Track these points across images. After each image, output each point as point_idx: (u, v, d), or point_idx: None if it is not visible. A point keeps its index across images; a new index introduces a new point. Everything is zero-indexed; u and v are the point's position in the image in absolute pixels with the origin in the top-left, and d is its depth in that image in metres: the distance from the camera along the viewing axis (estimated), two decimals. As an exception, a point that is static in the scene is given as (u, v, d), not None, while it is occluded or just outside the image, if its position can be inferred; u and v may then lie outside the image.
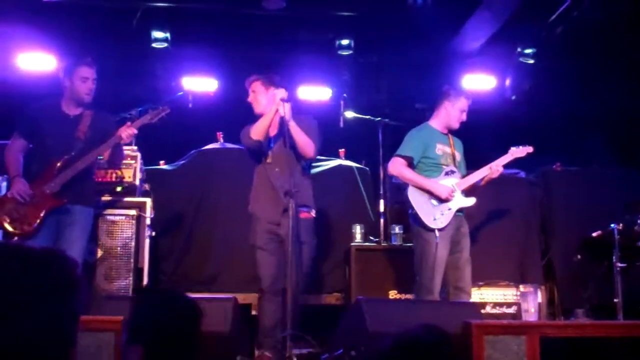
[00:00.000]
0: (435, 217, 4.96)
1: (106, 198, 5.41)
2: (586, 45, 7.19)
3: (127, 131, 4.66)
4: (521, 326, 3.79)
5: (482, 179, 5.23)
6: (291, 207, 4.50)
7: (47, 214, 4.60)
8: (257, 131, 4.85)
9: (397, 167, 5.13)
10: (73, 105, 4.83)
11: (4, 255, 1.49)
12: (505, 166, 6.61)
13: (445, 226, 4.97)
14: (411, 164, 5.11)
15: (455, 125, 5.23)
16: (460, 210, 5.09)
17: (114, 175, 5.48)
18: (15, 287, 1.43)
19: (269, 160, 4.94)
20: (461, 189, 5.10)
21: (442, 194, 4.98)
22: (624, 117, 7.50)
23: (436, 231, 4.92)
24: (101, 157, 5.02)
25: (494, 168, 5.19)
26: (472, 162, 5.34)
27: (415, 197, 5.04)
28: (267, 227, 4.87)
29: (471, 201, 5.12)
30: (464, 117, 5.23)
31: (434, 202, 5.01)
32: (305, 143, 4.85)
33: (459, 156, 5.27)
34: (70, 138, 4.73)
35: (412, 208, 5.02)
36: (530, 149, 5.35)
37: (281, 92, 4.82)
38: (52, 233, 4.60)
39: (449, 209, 5.01)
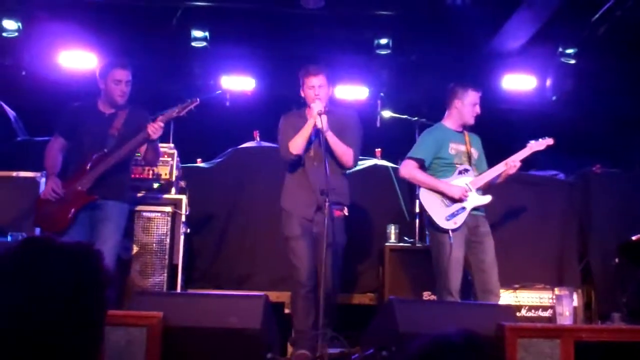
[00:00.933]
0: (448, 217, 4.90)
1: (142, 194, 5.48)
2: (629, 45, 7.05)
3: (154, 126, 4.64)
4: (556, 329, 3.73)
5: (498, 176, 5.12)
6: (326, 207, 4.46)
7: (79, 210, 4.65)
8: (296, 146, 4.87)
9: (408, 169, 5.09)
10: (108, 106, 4.90)
11: (33, 248, 1.51)
12: (545, 168, 6.53)
13: (459, 226, 4.89)
14: (423, 166, 5.06)
15: (470, 120, 5.12)
16: (477, 209, 5.01)
17: (150, 172, 5.54)
18: (43, 280, 1.45)
19: (311, 153, 4.92)
20: (476, 187, 5.01)
21: (456, 195, 4.91)
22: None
23: (450, 232, 4.85)
24: (138, 155, 5.08)
25: (510, 164, 5.06)
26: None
27: (426, 199, 4.99)
28: (300, 221, 4.87)
29: (486, 199, 5.02)
30: (477, 110, 5.11)
31: (447, 202, 4.94)
32: (344, 152, 4.87)
33: (476, 153, 5.16)
34: (104, 135, 4.78)
35: (425, 210, 4.97)
36: (550, 141, 5.18)
37: (318, 106, 4.81)
38: (85, 229, 4.64)
39: (463, 209, 4.93)
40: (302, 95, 5.05)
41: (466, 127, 5.19)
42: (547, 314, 5.76)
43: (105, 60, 5.08)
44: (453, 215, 4.91)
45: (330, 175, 4.60)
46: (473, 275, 4.98)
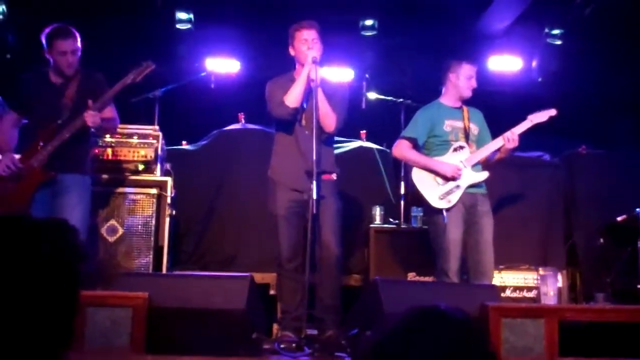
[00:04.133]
0: (441, 196, 4.82)
1: (128, 177, 5.43)
2: (615, 26, 7.04)
3: (91, 118, 4.45)
4: (540, 309, 3.77)
5: (497, 151, 4.98)
6: (313, 190, 4.22)
7: (39, 189, 4.48)
8: (293, 98, 4.57)
9: (400, 149, 5.03)
10: (59, 76, 4.69)
11: (3, 225, 1.49)
12: (530, 149, 6.51)
13: (454, 205, 4.80)
14: (416, 145, 4.97)
15: (467, 94, 5.01)
16: (475, 186, 4.91)
17: (135, 154, 5.49)
18: (16, 256, 1.43)
19: (303, 122, 4.66)
20: (471, 164, 4.89)
21: (447, 173, 4.81)
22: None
23: (444, 211, 4.78)
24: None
25: (509, 137, 4.86)
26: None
27: (419, 178, 4.91)
28: (289, 196, 4.63)
29: (483, 175, 4.90)
30: (473, 83, 5.01)
31: (440, 181, 4.85)
32: (326, 114, 4.58)
33: (476, 129, 5.03)
34: (57, 106, 4.58)
35: (417, 190, 4.88)
36: (553, 112, 4.96)
37: (313, 53, 4.57)
38: (47, 206, 4.46)
39: (458, 187, 4.83)
40: (292, 52, 4.77)
41: (465, 102, 5.08)
42: (531, 294, 5.78)
43: (48, 29, 4.69)
44: (447, 194, 4.82)
45: (318, 144, 4.43)
46: (467, 256, 4.86)
